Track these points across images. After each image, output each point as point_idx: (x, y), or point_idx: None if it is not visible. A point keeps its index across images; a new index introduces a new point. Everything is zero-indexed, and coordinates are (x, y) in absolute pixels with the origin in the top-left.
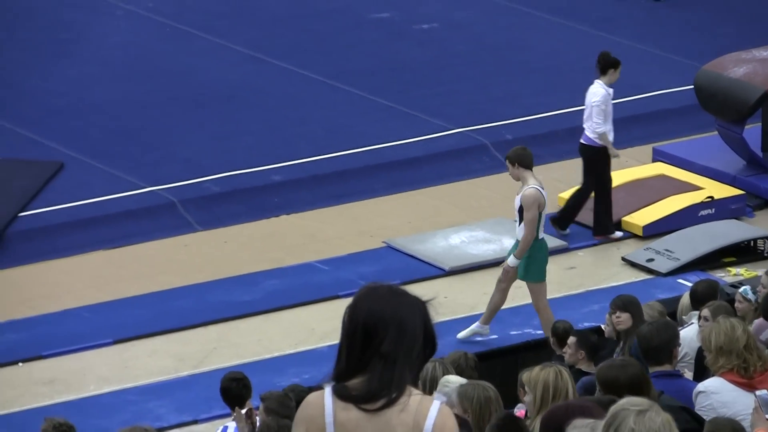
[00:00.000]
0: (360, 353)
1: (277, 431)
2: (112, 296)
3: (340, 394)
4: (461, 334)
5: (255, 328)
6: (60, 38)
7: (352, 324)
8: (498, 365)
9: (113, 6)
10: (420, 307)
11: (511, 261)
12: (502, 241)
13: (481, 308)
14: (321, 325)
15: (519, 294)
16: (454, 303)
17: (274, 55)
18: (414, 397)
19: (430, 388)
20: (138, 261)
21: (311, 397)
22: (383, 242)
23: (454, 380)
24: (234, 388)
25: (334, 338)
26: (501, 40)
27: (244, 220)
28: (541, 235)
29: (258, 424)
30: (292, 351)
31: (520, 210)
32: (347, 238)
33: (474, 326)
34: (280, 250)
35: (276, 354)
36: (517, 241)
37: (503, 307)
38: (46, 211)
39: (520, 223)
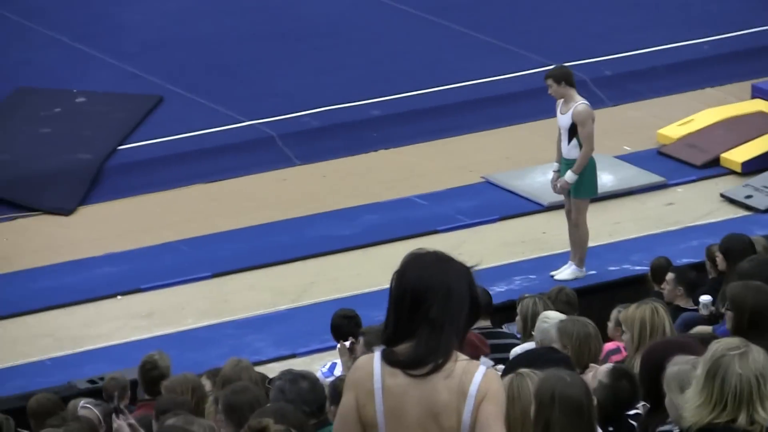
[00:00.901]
0: (408, 319)
1: None
2: (210, 230)
3: (389, 359)
4: (560, 276)
5: (353, 262)
6: None
7: (400, 290)
8: (597, 301)
9: None
10: (465, 273)
11: (569, 177)
12: (600, 176)
13: None
14: None
15: (618, 229)
16: (552, 238)
17: None
18: (460, 362)
19: (532, 323)
20: (236, 195)
21: (360, 361)
22: (482, 177)
23: (553, 316)
24: (345, 325)
25: None
26: None
27: (342, 154)
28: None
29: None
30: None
31: (571, 128)
32: (445, 172)
33: (572, 269)
34: (379, 185)
35: (375, 288)
36: (565, 161)
37: (601, 241)
38: (145, 145)
39: (569, 142)
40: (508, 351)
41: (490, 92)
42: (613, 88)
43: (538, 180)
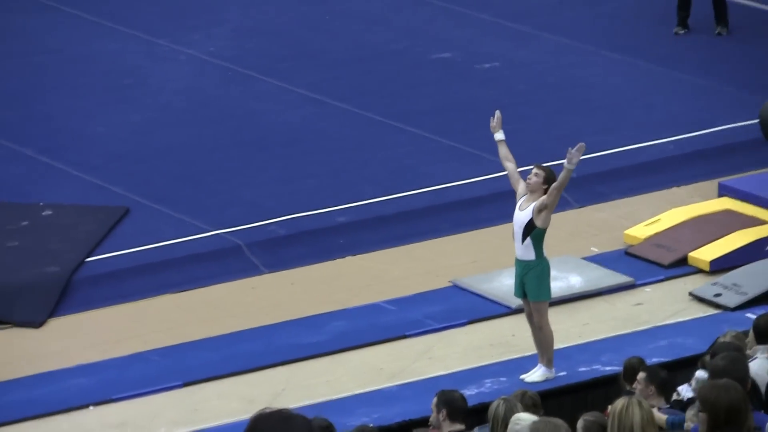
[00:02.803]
0: None
1: None
2: (180, 339)
3: None
4: (530, 378)
5: (323, 369)
6: (122, 84)
7: None
8: (567, 402)
9: (175, 51)
10: (307, 428)
11: (570, 163)
12: (568, 278)
13: None
14: (388, 365)
15: (587, 330)
16: (521, 341)
17: (335, 97)
18: None
19: (502, 426)
20: (205, 304)
21: None
22: (449, 282)
23: (525, 418)
24: None
25: (402, 378)
26: (562, 79)
27: (309, 261)
28: (545, 253)
29: None
30: (360, 391)
31: (526, 227)
32: (413, 278)
33: (542, 371)
34: (347, 292)
35: (344, 394)
36: (519, 263)
37: (571, 342)
38: (113, 256)
39: (522, 242)
40: None
41: (455, 197)
42: (579, 189)
43: (506, 283)
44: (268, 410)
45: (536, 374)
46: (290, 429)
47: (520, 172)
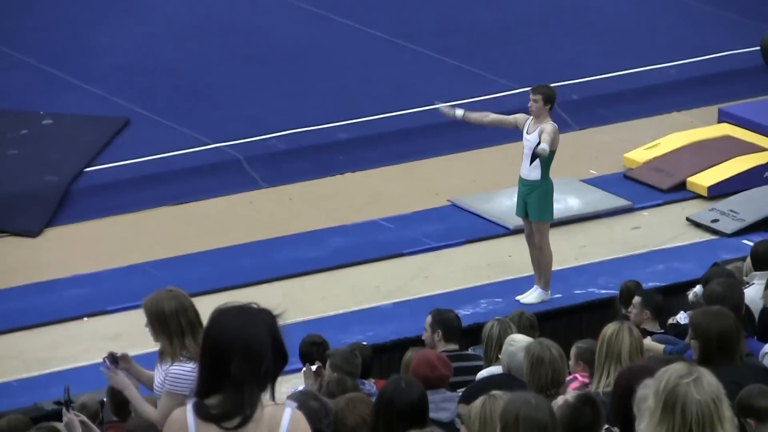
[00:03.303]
0: (213, 375)
1: (342, 388)
2: (177, 252)
3: (200, 413)
4: (525, 299)
5: (320, 285)
6: None
7: (204, 348)
8: (562, 324)
9: None
10: (268, 322)
11: (542, 148)
12: (566, 200)
13: None
14: (385, 283)
15: (584, 253)
16: (518, 262)
17: (340, 14)
18: (267, 408)
19: (496, 346)
20: (203, 217)
21: (175, 414)
22: (448, 200)
23: (519, 339)
24: (314, 352)
25: (399, 296)
26: (568, 2)
27: (309, 177)
28: (549, 175)
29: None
30: (356, 308)
31: (534, 154)
32: (412, 196)
33: (537, 293)
34: (346, 208)
35: (341, 311)
36: (523, 182)
37: (567, 265)
38: (113, 167)
39: (530, 163)
40: (475, 373)
41: None
42: (580, 112)
43: (505, 203)
44: (227, 304)
45: (532, 296)
46: (244, 324)
47: (523, 92)
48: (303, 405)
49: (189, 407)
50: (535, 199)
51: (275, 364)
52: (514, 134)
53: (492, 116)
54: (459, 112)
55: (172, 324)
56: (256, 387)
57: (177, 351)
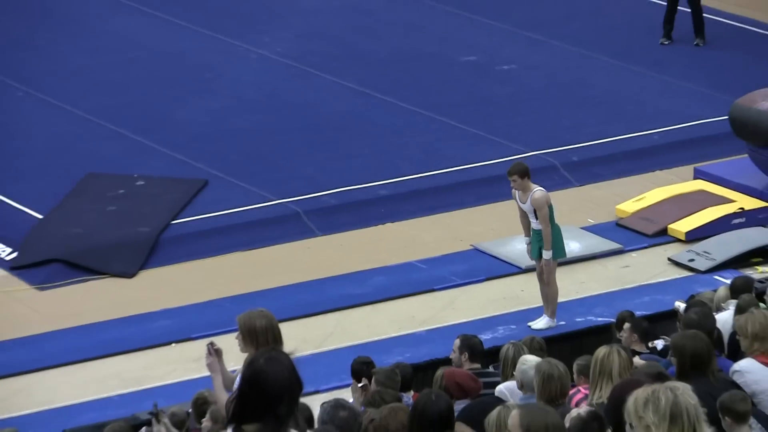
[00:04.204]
0: (258, 409)
1: (384, 400)
2: (247, 290)
3: None
4: (536, 325)
5: (365, 316)
6: (203, 77)
7: (252, 386)
8: (566, 347)
9: (248, 51)
10: (294, 367)
11: (547, 255)
12: (568, 244)
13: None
14: (420, 313)
15: (583, 288)
16: (528, 296)
17: (379, 90)
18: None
19: (511, 366)
20: (269, 261)
21: None
22: (471, 245)
23: (530, 359)
24: (363, 370)
25: (431, 324)
26: (568, 79)
27: (355, 227)
28: (555, 221)
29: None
30: (396, 334)
31: (534, 211)
32: (441, 242)
33: (546, 321)
34: (386, 252)
35: (383, 337)
36: (534, 232)
37: (570, 297)
38: (194, 220)
39: (536, 219)
40: (494, 387)
41: (477, 175)
42: (579, 171)
43: (518, 247)
44: (272, 352)
45: (541, 322)
46: (289, 375)
47: (532, 155)
48: (334, 416)
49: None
50: (539, 243)
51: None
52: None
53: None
54: (526, 247)
55: (260, 337)
56: (289, 424)
57: None
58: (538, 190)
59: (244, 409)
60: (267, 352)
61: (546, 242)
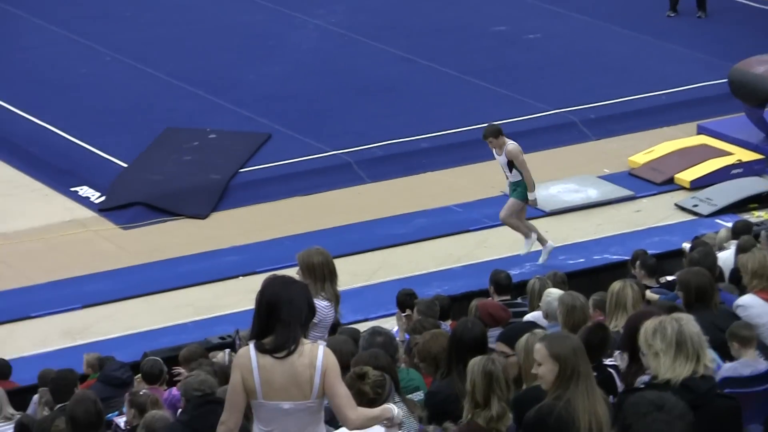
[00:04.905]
0: (267, 322)
1: (425, 327)
2: (305, 230)
3: (259, 348)
4: (541, 260)
5: (408, 253)
6: (267, 45)
7: (261, 303)
8: (585, 281)
9: (306, 21)
10: (303, 288)
11: (532, 196)
12: (586, 191)
13: (571, 239)
14: (456, 251)
15: (600, 230)
16: (552, 235)
17: (421, 57)
18: (306, 345)
19: (538, 297)
20: (324, 205)
21: (241, 351)
22: (501, 191)
23: (554, 292)
24: (407, 301)
25: (467, 260)
26: (586, 47)
27: (400, 175)
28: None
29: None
30: (435, 269)
31: (509, 164)
32: (475, 188)
33: (544, 251)
34: (427, 197)
35: (424, 272)
36: (511, 184)
37: (587, 238)
38: (259, 168)
39: (510, 172)
40: (522, 317)
41: (506, 130)
42: (596, 127)
43: (541, 194)
44: (275, 274)
45: (524, 247)
46: (286, 287)
47: (553, 114)
48: (372, 341)
49: (251, 345)
50: (519, 191)
51: (308, 315)
52: (545, 144)
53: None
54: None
55: (317, 272)
56: (299, 328)
57: (318, 291)
58: (510, 144)
59: (257, 324)
60: (271, 276)
61: (528, 185)
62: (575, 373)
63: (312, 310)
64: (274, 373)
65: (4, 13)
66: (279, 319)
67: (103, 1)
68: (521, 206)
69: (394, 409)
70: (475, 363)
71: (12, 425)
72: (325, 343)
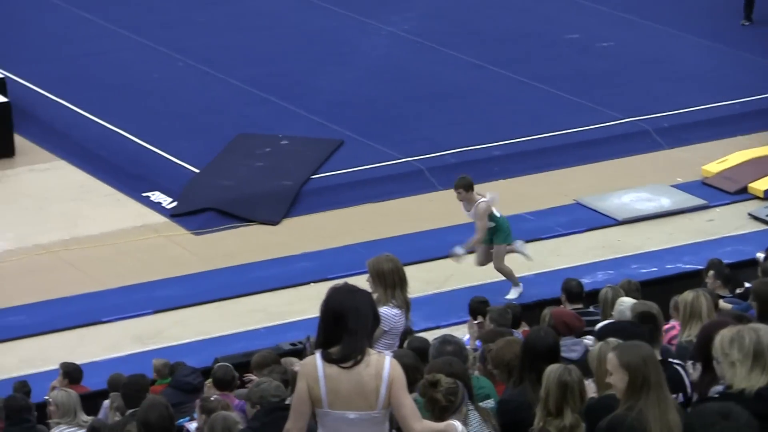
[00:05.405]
0: (334, 331)
1: (496, 334)
2: (377, 236)
3: (326, 358)
4: (510, 296)
5: None
6: (340, 51)
7: (327, 312)
8: (658, 290)
9: (378, 28)
10: (368, 297)
11: (465, 248)
12: (659, 200)
13: (644, 248)
14: (527, 260)
15: (672, 238)
16: (625, 244)
17: (493, 63)
18: (372, 355)
19: (611, 306)
20: (396, 212)
21: (307, 360)
22: (573, 200)
23: (627, 300)
24: (480, 308)
25: (538, 269)
26: (660, 55)
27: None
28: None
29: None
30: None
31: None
32: (547, 196)
33: (514, 290)
34: (498, 205)
35: (496, 280)
36: (489, 234)
37: (661, 247)
38: (331, 175)
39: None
40: (594, 326)
41: (578, 138)
42: (669, 136)
43: (614, 202)
44: (339, 283)
45: (512, 293)
46: (353, 297)
47: (627, 122)
48: (442, 350)
49: (317, 354)
50: (499, 235)
51: (373, 325)
52: (618, 152)
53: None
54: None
55: (387, 279)
56: (365, 338)
57: (388, 298)
58: (482, 201)
59: (323, 333)
60: (336, 285)
61: (473, 240)
62: (646, 382)
63: (377, 318)
64: (341, 382)
65: (76, 17)
66: (346, 329)
67: (176, 7)
68: (506, 250)
69: (458, 426)
70: (551, 372)
71: (83, 431)
72: (391, 354)
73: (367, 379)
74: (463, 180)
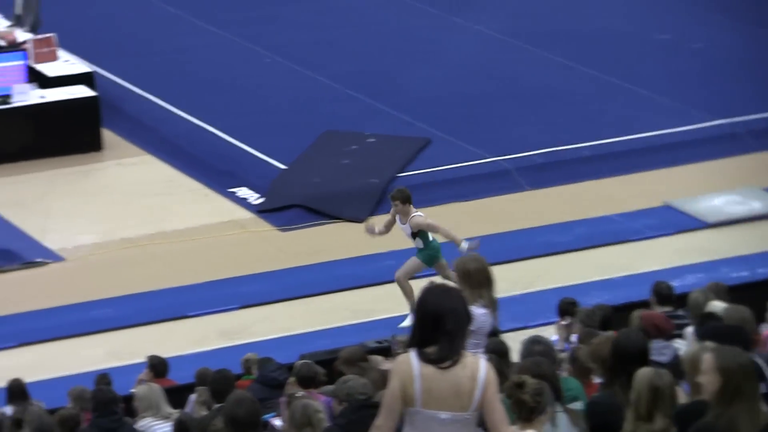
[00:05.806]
0: (431, 332)
1: (589, 335)
2: (465, 235)
3: (422, 357)
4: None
5: (569, 262)
6: (428, 49)
7: (423, 313)
8: (748, 295)
9: (467, 27)
10: (462, 296)
11: (465, 244)
12: (751, 203)
13: (737, 252)
14: (616, 261)
15: (765, 243)
16: (715, 246)
17: (582, 63)
18: (468, 357)
19: (702, 308)
20: (483, 211)
21: (401, 358)
22: (663, 202)
23: (718, 304)
24: (569, 310)
25: (627, 271)
26: (754, 57)
27: (560, 183)
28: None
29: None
30: (598, 278)
31: (412, 234)
32: (636, 198)
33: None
34: (587, 206)
35: (587, 280)
36: (418, 249)
37: (753, 251)
38: (418, 173)
39: (414, 240)
40: (683, 329)
41: (668, 140)
42: (763, 138)
43: (703, 205)
44: (433, 283)
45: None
46: (449, 297)
47: (715, 125)
48: (531, 350)
49: (412, 354)
50: (424, 254)
51: (468, 326)
52: (705, 155)
53: (388, 227)
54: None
55: (473, 278)
56: (462, 340)
57: (475, 298)
58: (416, 215)
59: (419, 333)
60: (431, 285)
61: (452, 239)
62: (739, 390)
63: (470, 318)
64: (436, 382)
65: (165, 14)
66: (444, 330)
67: (263, 3)
68: (419, 269)
69: None
70: (643, 375)
71: (170, 424)
72: (486, 357)
73: (463, 381)
74: (401, 192)
